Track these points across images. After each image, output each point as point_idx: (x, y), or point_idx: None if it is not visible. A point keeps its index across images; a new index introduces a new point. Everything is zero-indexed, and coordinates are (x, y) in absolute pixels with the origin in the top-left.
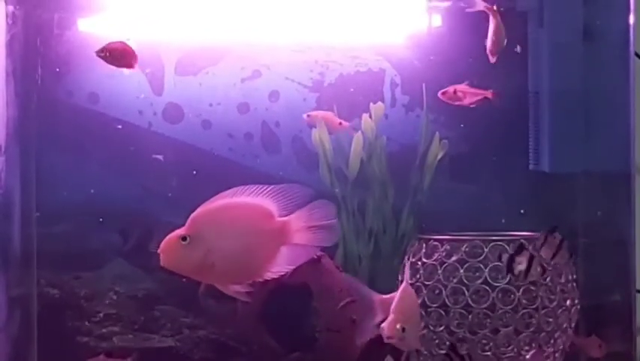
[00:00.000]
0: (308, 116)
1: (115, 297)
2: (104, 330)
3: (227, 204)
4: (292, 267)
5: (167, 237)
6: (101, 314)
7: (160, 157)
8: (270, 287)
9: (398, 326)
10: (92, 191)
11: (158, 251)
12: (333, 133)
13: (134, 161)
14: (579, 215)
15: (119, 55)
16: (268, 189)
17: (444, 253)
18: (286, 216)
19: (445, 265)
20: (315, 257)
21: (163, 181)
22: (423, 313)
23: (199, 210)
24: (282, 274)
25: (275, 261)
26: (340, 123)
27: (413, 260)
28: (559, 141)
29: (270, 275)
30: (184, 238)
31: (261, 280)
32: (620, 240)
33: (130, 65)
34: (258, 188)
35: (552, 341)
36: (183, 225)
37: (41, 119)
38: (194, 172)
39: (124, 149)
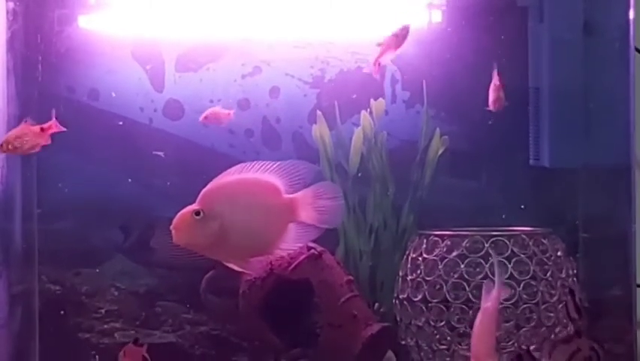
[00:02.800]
0: (205, 118)
1: (116, 293)
2: (105, 326)
3: (237, 180)
4: (300, 245)
5: (180, 213)
6: (103, 310)
7: (161, 153)
8: (271, 283)
9: None
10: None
11: (171, 228)
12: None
13: (135, 157)
14: (579, 210)
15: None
16: (274, 165)
17: (444, 249)
18: (292, 193)
19: (446, 260)
20: (316, 253)
21: (164, 177)
22: (424, 308)
23: (210, 185)
24: (291, 251)
25: (283, 238)
26: (228, 114)
27: (414, 256)
28: (559, 136)
29: (279, 252)
30: (197, 213)
31: (270, 256)
32: (621, 234)
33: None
34: (264, 164)
35: (553, 336)
36: None
37: (42, 116)
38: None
39: (125, 145)
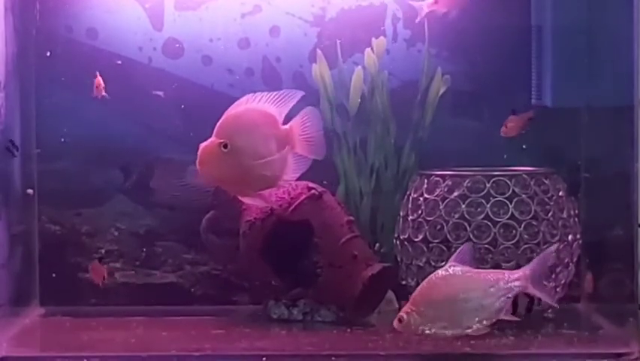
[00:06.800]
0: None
1: (116, 233)
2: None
3: (246, 111)
4: (298, 175)
5: (204, 146)
6: (103, 251)
7: (160, 93)
8: (272, 223)
9: (401, 314)
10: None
11: (197, 163)
12: None
13: (134, 97)
14: (581, 150)
15: None
16: (271, 96)
17: (445, 189)
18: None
19: (447, 200)
20: (317, 193)
21: (163, 117)
22: (424, 248)
23: (225, 117)
24: (292, 181)
25: (285, 169)
26: None
27: (415, 196)
28: (561, 76)
29: (282, 183)
30: (225, 146)
31: (275, 187)
32: (623, 174)
33: None
34: (264, 95)
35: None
36: (184, 161)
37: (40, 55)
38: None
39: (124, 85)
